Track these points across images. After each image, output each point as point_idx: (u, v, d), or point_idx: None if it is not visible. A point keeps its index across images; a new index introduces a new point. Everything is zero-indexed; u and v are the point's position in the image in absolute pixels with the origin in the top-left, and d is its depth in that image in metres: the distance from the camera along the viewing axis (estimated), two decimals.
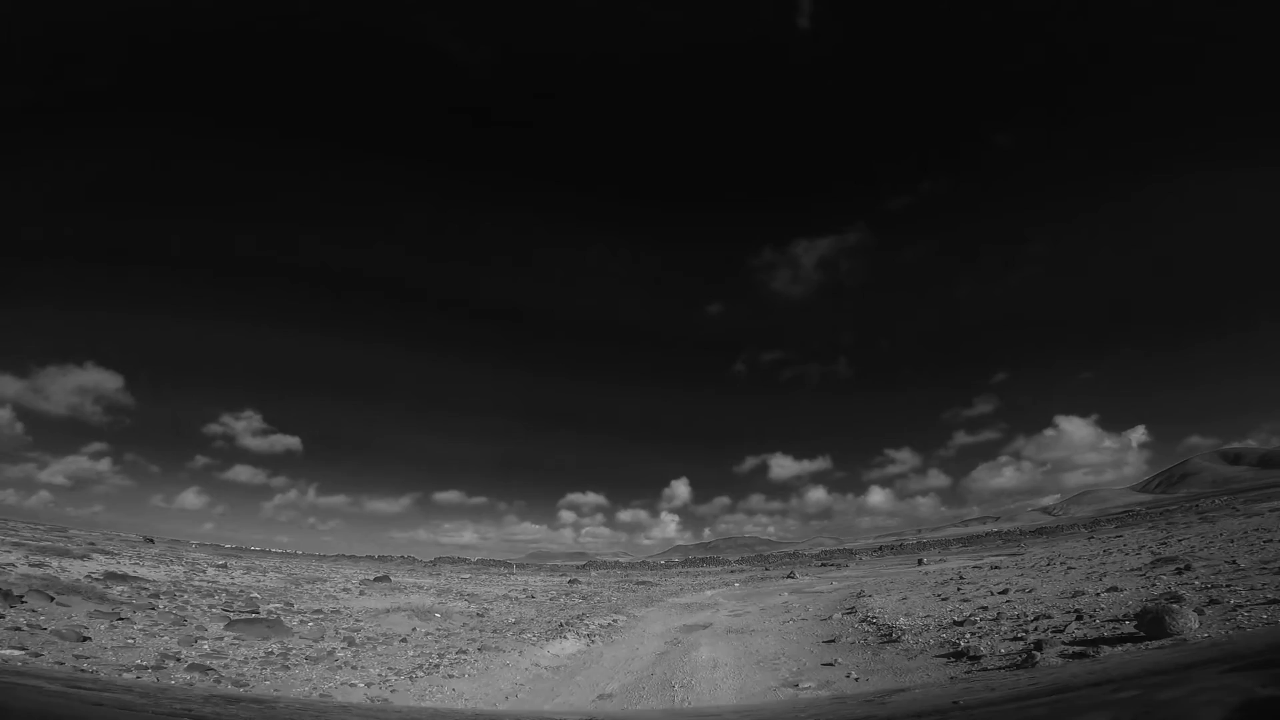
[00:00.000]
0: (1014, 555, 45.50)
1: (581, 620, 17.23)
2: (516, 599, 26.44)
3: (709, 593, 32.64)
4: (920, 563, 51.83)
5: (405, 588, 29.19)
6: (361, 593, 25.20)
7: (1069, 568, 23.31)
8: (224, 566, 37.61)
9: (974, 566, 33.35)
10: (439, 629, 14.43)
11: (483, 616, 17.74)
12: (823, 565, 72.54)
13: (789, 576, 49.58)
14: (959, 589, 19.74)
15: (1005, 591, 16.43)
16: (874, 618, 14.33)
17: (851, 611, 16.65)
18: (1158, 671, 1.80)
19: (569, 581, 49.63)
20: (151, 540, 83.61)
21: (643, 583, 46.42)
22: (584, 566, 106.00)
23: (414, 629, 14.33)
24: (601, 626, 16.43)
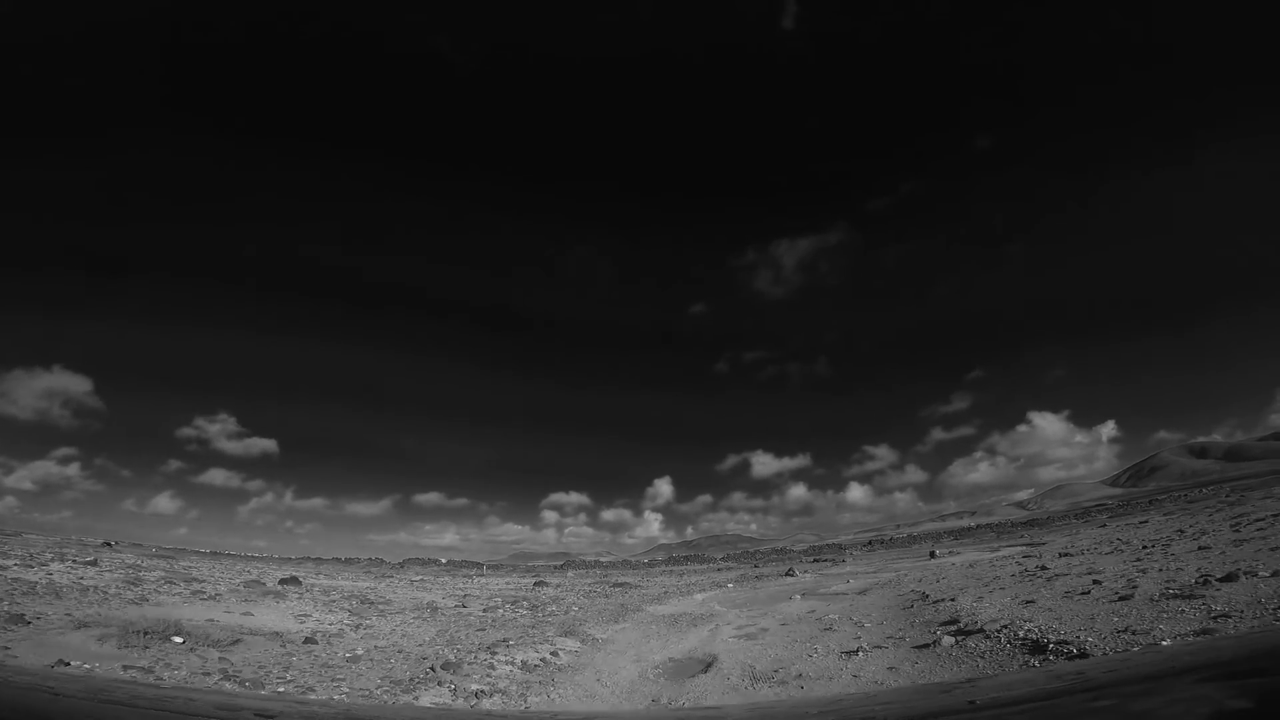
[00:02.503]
0: (1037, 545, 39.16)
1: (494, 654, 9.62)
2: (436, 610, 18.70)
3: (699, 596, 25.17)
4: (933, 555, 45.20)
5: (297, 594, 21.21)
6: (211, 597, 17.25)
7: (1201, 547, 16.48)
8: (92, 563, 29.58)
9: (1024, 557, 26.50)
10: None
11: (314, 644, 10.05)
12: (816, 561, 65.59)
13: (788, 574, 42.37)
14: (1095, 583, 12.53)
15: (1205, 582, 9.25)
16: (1061, 643, 6.94)
17: (962, 628, 9.31)
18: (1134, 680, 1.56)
19: (534, 584, 41.80)
20: (110, 544, 76.23)
21: (620, 585, 38.79)
22: (561, 566, 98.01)
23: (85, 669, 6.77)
24: (516, 672, 8.84)
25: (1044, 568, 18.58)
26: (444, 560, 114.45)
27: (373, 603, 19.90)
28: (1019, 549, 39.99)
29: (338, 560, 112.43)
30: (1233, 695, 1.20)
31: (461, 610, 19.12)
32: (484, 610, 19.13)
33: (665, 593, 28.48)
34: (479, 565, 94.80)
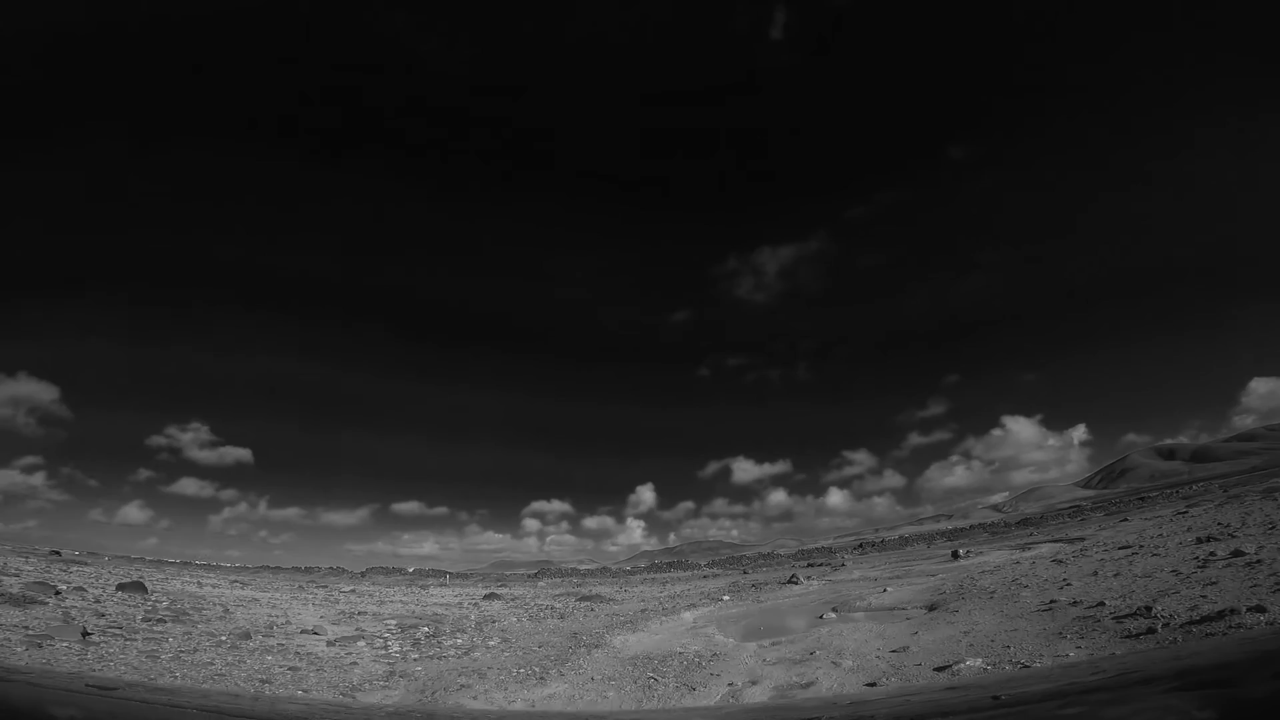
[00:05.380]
0: (1074, 541, 32.36)
1: None
2: (248, 638, 10.76)
3: (688, 616, 17.51)
4: (955, 555, 38.09)
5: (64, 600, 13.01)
6: None
7: None
8: None
9: (1118, 550, 19.47)
10: None
11: None
12: (810, 565, 58.08)
13: (791, 581, 34.84)
14: None
15: None
16: None
17: None
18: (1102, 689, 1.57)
19: (485, 596, 33.63)
20: (58, 553, 68.68)
21: (589, 598, 30.85)
22: (535, 575, 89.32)
23: None
24: None
25: (1241, 552, 11.36)
26: (410, 570, 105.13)
27: (167, 621, 11.95)
28: (1053, 545, 33.40)
29: (297, 569, 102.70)
30: (1199, 706, 1.17)
31: (286, 645, 11.16)
32: (332, 643, 11.22)
33: (643, 610, 20.72)
34: (444, 575, 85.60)
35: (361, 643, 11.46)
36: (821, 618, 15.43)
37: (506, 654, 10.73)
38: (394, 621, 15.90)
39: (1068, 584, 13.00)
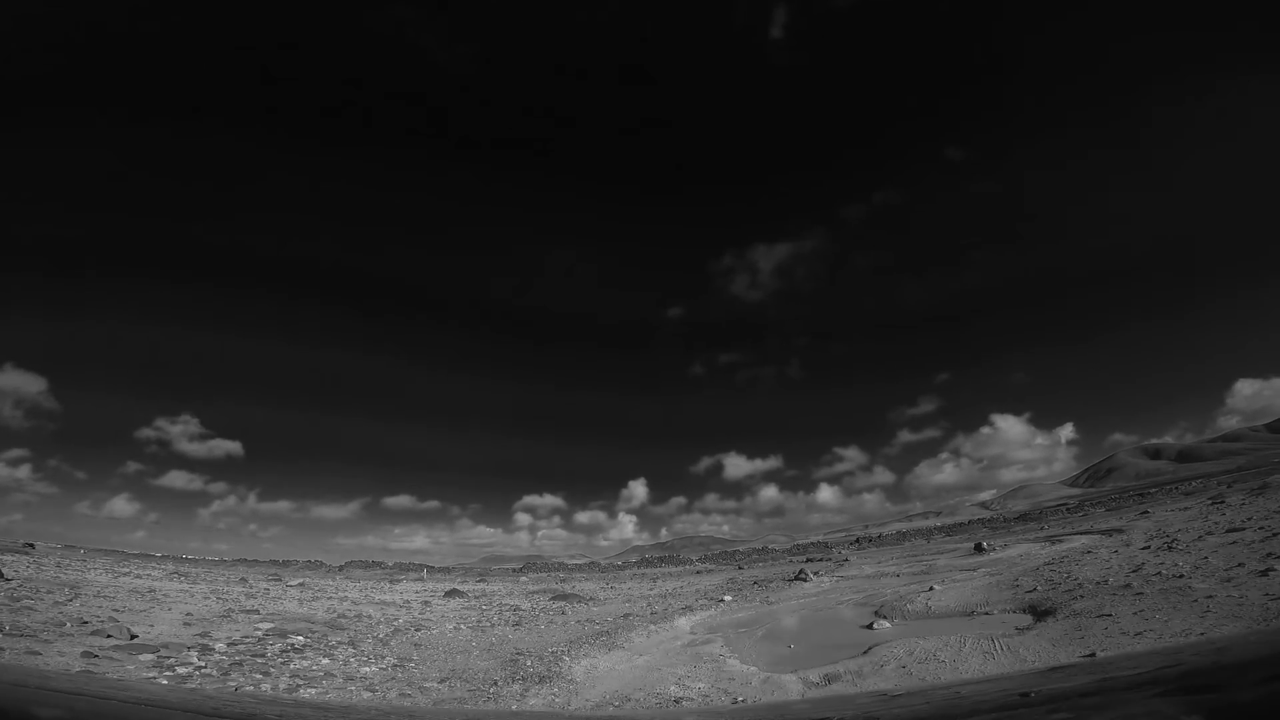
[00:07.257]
0: (1113, 533, 28.23)
1: None
2: None
3: (684, 623, 12.88)
4: (978, 548, 33.90)
5: None
6: None
7: None
8: None
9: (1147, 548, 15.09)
10: None
11: None
12: (810, 560, 53.64)
13: (798, 578, 30.30)
14: None
15: None
16: None
17: None
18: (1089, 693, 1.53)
19: (445, 593, 28.81)
20: (32, 545, 64.56)
21: (565, 597, 26.15)
22: (520, 569, 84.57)
23: None
24: None
25: None
26: (390, 564, 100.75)
27: None
28: (1088, 537, 29.46)
29: (274, 562, 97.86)
30: (1187, 710, 1.17)
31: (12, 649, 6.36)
32: (93, 654, 6.51)
33: (627, 614, 16.00)
34: (422, 569, 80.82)
35: (147, 655, 6.86)
36: (871, 627, 10.83)
37: (366, 695, 6.07)
38: (270, 626, 11.16)
39: (1268, 571, 8.42)
